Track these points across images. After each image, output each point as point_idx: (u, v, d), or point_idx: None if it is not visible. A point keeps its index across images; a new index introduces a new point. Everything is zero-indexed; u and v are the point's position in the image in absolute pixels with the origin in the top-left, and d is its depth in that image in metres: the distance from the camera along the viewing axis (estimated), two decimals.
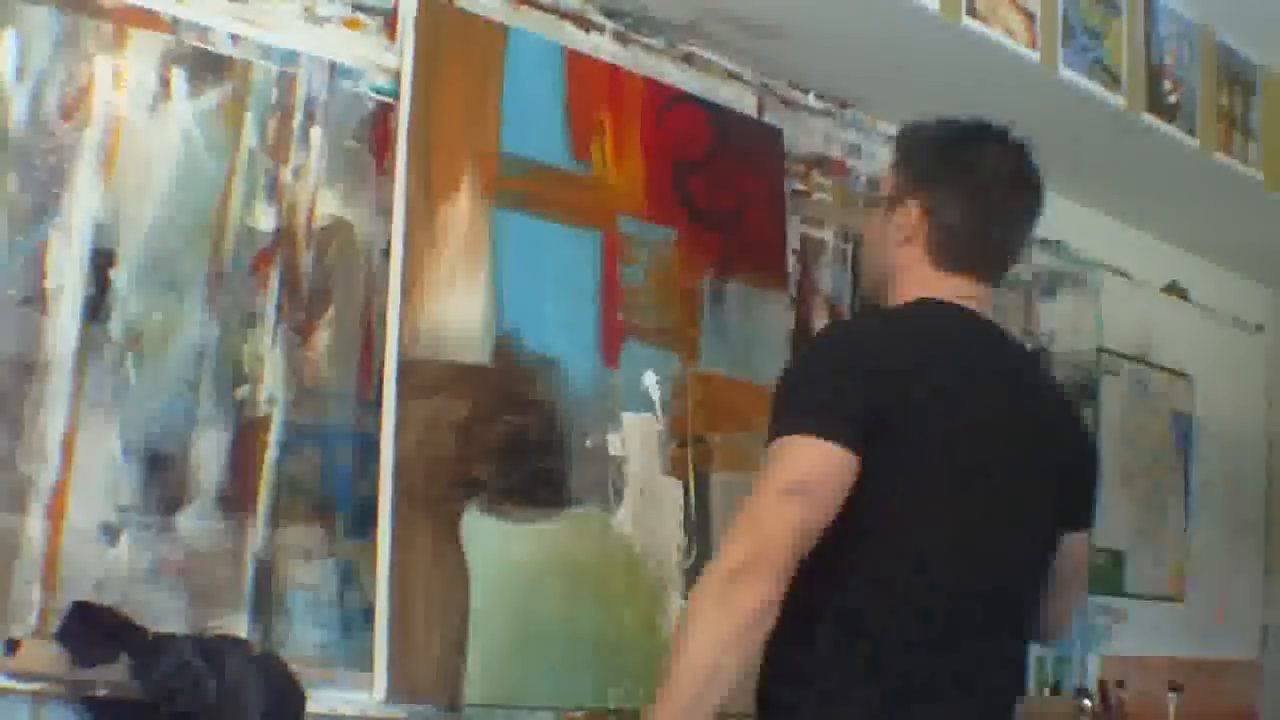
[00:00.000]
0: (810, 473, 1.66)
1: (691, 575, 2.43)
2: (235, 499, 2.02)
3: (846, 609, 1.72)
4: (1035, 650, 3.32)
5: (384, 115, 2.23)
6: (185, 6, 2.03)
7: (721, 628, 1.61)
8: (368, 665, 2.06)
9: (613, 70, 2.53)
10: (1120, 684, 3.43)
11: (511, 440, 2.25)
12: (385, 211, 2.20)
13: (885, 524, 1.71)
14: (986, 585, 1.78)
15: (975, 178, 1.87)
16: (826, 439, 1.66)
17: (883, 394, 1.69)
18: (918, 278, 1.88)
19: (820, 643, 1.72)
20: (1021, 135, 1.92)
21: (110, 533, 1.90)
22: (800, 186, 2.84)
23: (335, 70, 2.18)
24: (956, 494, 1.75)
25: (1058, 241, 3.49)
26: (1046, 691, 3.35)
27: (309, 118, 2.15)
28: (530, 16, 2.44)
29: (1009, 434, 1.80)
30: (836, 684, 1.71)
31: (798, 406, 1.71)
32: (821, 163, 2.89)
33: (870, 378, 1.71)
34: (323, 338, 2.14)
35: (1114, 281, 3.67)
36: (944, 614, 1.73)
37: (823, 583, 1.70)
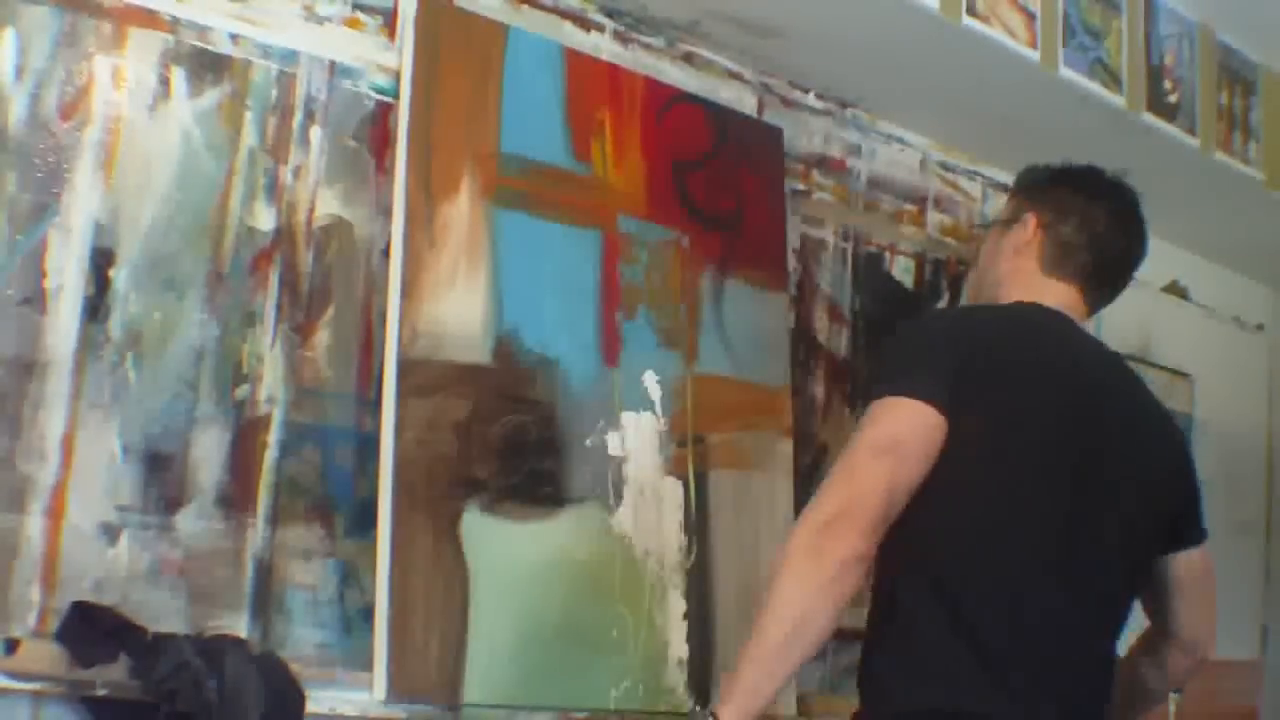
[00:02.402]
0: (901, 430, 1.72)
1: (692, 575, 2.43)
2: (235, 499, 2.02)
3: (928, 575, 1.75)
4: None
5: (384, 115, 2.23)
6: (185, 6, 2.03)
7: (812, 576, 1.64)
8: (368, 665, 2.06)
9: (613, 70, 2.53)
10: None
11: (511, 440, 2.25)
12: (385, 211, 2.20)
13: (967, 491, 1.75)
14: (1068, 569, 1.79)
15: (1092, 202, 2.02)
16: (917, 399, 1.72)
17: (973, 364, 1.76)
18: (1023, 283, 1.98)
19: (904, 609, 1.76)
20: (1128, 184, 2.08)
21: (110, 532, 1.90)
22: (800, 186, 2.84)
23: (335, 70, 2.18)
24: (1038, 471, 1.78)
25: None
26: None
27: (309, 117, 2.15)
28: (530, 16, 2.44)
29: (1095, 426, 1.83)
30: (919, 650, 1.74)
31: (892, 371, 1.80)
32: (821, 163, 2.89)
33: (962, 349, 1.78)
34: (322, 338, 2.14)
35: None
36: (1022, 587, 1.76)
37: (907, 547, 1.74)
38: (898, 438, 1.71)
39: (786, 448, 2.61)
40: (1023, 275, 2.00)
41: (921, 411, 1.72)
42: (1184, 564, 2.01)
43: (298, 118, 2.14)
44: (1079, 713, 1.82)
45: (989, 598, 1.74)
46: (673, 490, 2.45)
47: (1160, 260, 3.80)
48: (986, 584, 1.75)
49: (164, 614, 1.92)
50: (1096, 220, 2.00)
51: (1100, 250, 2.00)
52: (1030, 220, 2.02)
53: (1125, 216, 2.04)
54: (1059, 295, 1.97)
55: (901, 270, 3.02)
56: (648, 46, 2.62)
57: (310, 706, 1.94)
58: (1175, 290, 3.89)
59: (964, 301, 2.18)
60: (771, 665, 1.64)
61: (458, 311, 2.22)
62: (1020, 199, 2.09)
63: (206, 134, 2.05)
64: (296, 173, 2.13)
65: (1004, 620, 1.74)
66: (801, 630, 1.64)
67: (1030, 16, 2.76)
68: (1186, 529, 2.01)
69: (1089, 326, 2.04)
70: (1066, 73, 2.84)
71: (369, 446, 2.13)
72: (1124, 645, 2.05)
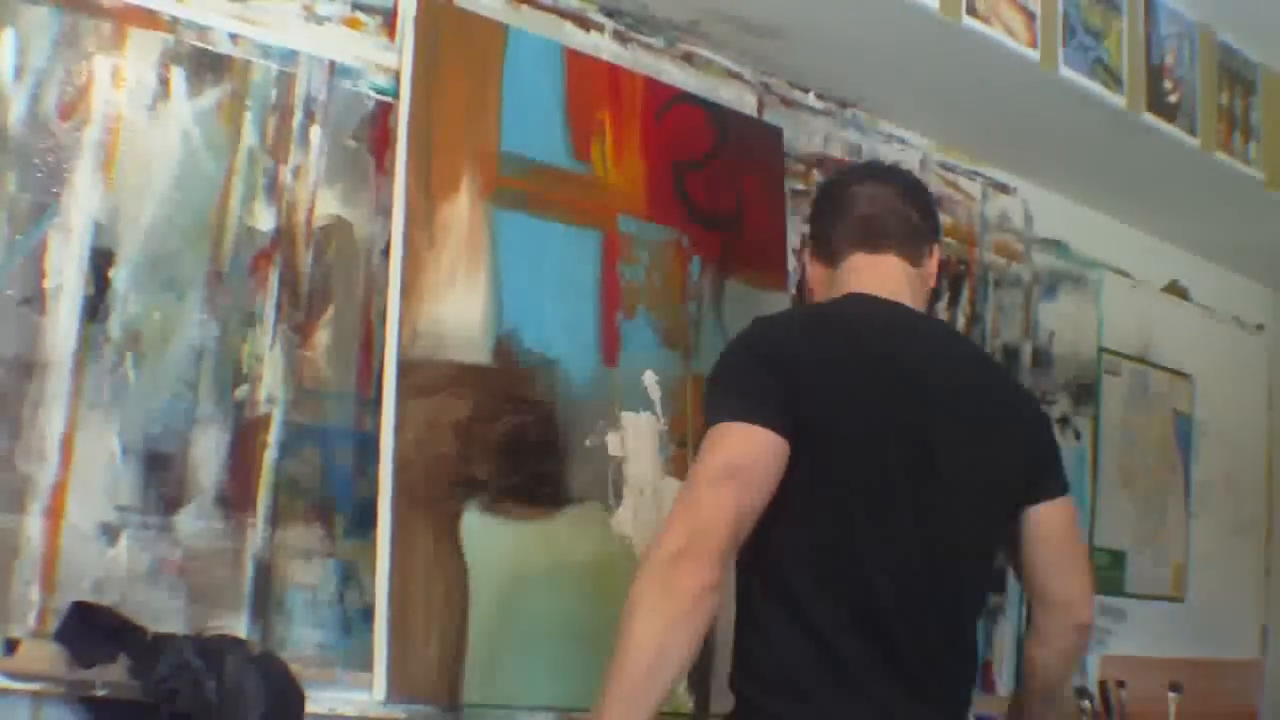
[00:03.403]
0: (740, 455, 1.72)
1: None
2: (235, 499, 2.02)
3: (783, 593, 1.77)
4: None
5: (384, 115, 2.23)
6: (185, 6, 2.03)
7: (665, 611, 1.63)
8: (367, 665, 2.06)
9: (613, 70, 2.53)
10: (1120, 684, 3.43)
11: (511, 440, 2.25)
12: (385, 211, 2.20)
13: (808, 507, 1.77)
14: (914, 568, 1.81)
15: (821, 196, 2.11)
16: (743, 421, 1.74)
17: (801, 380, 1.78)
18: (825, 285, 2.03)
19: (762, 627, 1.79)
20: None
21: (109, 532, 1.90)
22: (800, 186, 2.83)
23: (335, 70, 2.18)
24: (876, 474, 1.80)
25: (1058, 241, 3.49)
26: None
27: (308, 117, 2.15)
28: (530, 16, 2.44)
29: (918, 413, 1.84)
30: (778, 668, 1.76)
31: (724, 396, 1.79)
32: (821, 163, 2.89)
33: (788, 365, 1.79)
34: (322, 338, 2.14)
35: (1114, 281, 3.66)
36: (870, 596, 1.77)
37: (760, 567, 1.79)
38: (737, 463, 1.72)
39: None
40: (820, 282, 2.06)
41: (758, 435, 1.73)
42: (1042, 520, 1.99)
43: (298, 118, 2.14)
44: (936, 697, 1.84)
45: (838, 617, 1.76)
46: (673, 490, 2.44)
47: (1160, 260, 3.83)
48: (832, 603, 1.76)
49: (164, 614, 1.92)
50: (830, 200, 2.06)
51: (846, 211, 2.01)
52: (805, 254, 2.13)
53: (855, 177, 2.09)
54: (859, 275, 1.97)
55: None
56: (648, 46, 2.62)
57: (310, 706, 1.94)
58: (1175, 290, 3.90)
59: None
60: (635, 701, 1.64)
61: (458, 311, 2.22)
62: (806, 236, 2.19)
63: (206, 134, 2.05)
64: (296, 173, 2.13)
65: (855, 639, 1.76)
66: (660, 664, 1.64)
67: (1030, 16, 2.76)
68: (1041, 485, 2.00)
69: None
70: (1066, 73, 2.84)
71: (369, 446, 2.13)
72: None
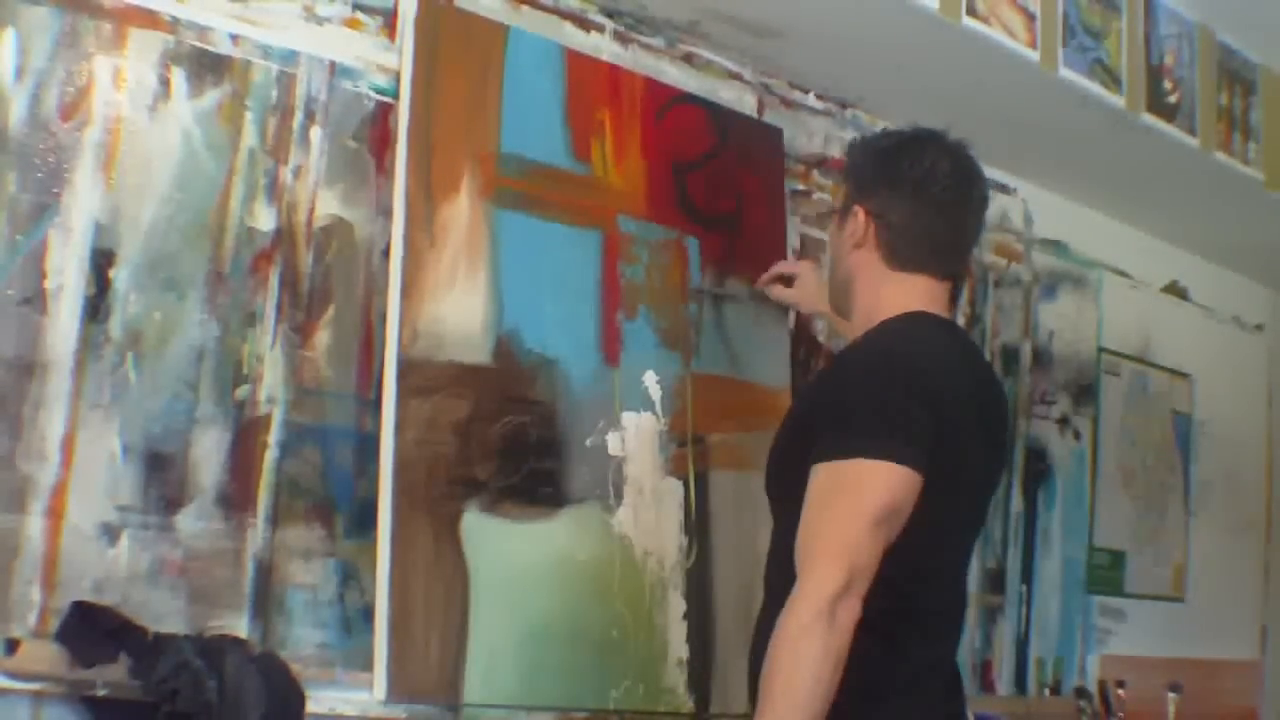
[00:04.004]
0: (896, 498, 1.74)
1: (692, 575, 2.43)
2: (235, 499, 2.02)
3: (887, 628, 1.78)
4: (1035, 650, 3.33)
5: (384, 115, 2.23)
6: (185, 6, 2.03)
7: (835, 645, 1.69)
8: (368, 665, 2.06)
9: (613, 70, 2.53)
10: (1120, 684, 3.43)
11: (511, 440, 2.25)
12: (385, 211, 2.20)
13: (921, 545, 1.80)
14: (960, 585, 1.97)
15: (914, 177, 1.94)
16: (905, 465, 1.74)
17: (936, 416, 1.79)
18: (874, 280, 1.96)
19: (862, 664, 1.77)
20: (960, 137, 1.99)
21: (110, 533, 1.90)
22: (800, 186, 2.84)
23: (335, 70, 2.18)
24: (960, 512, 1.91)
25: (1058, 241, 3.49)
26: (1046, 691, 3.35)
27: (309, 118, 2.15)
28: (530, 16, 2.44)
29: (985, 448, 1.94)
30: (858, 685, 1.75)
31: (873, 427, 1.76)
32: (821, 163, 2.89)
33: (930, 401, 1.79)
34: (323, 338, 2.14)
35: (1114, 281, 3.67)
36: (937, 617, 1.89)
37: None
38: (893, 509, 1.74)
39: None
40: (870, 270, 1.97)
41: (910, 479, 1.75)
42: None
43: (298, 118, 2.14)
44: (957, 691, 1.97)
45: (912, 637, 1.83)
46: (673, 490, 2.45)
47: (1160, 260, 3.83)
48: (911, 623, 1.83)
49: (164, 614, 1.92)
50: (923, 193, 1.93)
51: (934, 226, 1.94)
52: (860, 215, 1.97)
53: (954, 175, 1.95)
54: (917, 290, 1.94)
55: None
56: (648, 47, 2.62)
57: (310, 706, 1.95)
58: (1175, 290, 3.90)
59: (830, 293, 2.14)
60: None
61: (458, 311, 2.22)
62: (850, 185, 2.04)
63: (206, 134, 2.05)
64: (296, 173, 2.13)
65: (922, 656, 1.84)
66: (826, 699, 1.69)
67: (1030, 17, 2.76)
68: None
69: None
70: (1066, 73, 2.84)
71: (369, 446, 2.13)
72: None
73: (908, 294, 1.93)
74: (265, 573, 2.03)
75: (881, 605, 1.75)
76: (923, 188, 1.93)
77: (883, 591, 1.75)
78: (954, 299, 2.02)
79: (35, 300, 1.88)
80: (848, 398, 1.81)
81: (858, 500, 1.73)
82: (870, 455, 1.74)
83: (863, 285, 1.98)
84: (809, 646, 1.68)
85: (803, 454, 1.80)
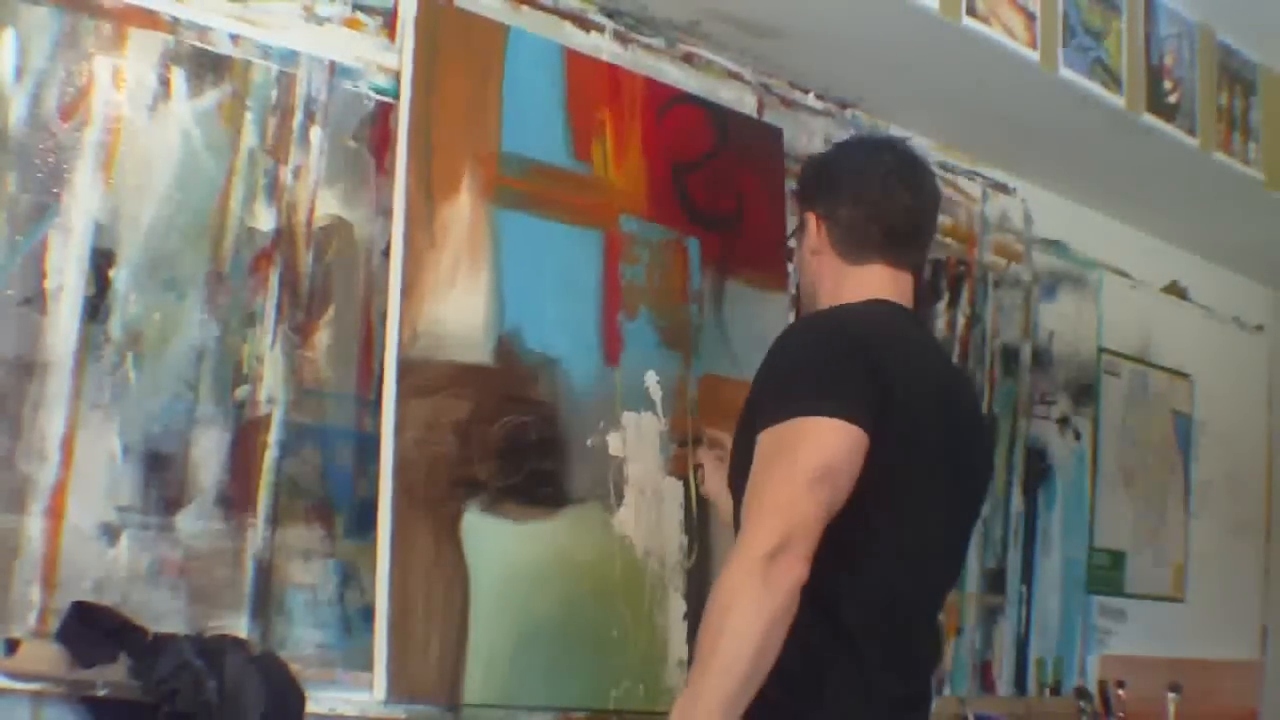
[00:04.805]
0: (835, 455, 1.70)
1: (692, 575, 2.43)
2: (235, 499, 2.02)
3: (815, 593, 1.71)
4: (1035, 650, 3.33)
5: (384, 115, 2.23)
6: (185, 6, 2.03)
7: (767, 607, 1.63)
8: (368, 665, 2.06)
9: (613, 70, 2.53)
10: (1120, 684, 3.43)
11: (512, 440, 2.25)
12: (385, 211, 2.20)
13: (869, 514, 1.75)
14: (932, 577, 1.91)
15: (855, 174, 1.98)
16: (847, 420, 1.71)
17: (879, 382, 1.76)
18: (835, 278, 1.97)
19: (801, 630, 1.72)
20: (904, 137, 2.04)
21: (110, 533, 1.90)
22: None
23: (335, 70, 2.18)
24: (919, 491, 1.83)
25: (1058, 241, 3.49)
26: (1046, 691, 3.35)
27: (309, 118, 2.15)
28: (530, 16, 2.44)
29: (950, 436, 1.88)
30: (804, 668, 1.73)
31: (811, 388, 1.74)
32: None
33: (871, 365, 1.77)
34: (323, 338, 2.14)
35: (1114, 281, 3.67)
36: (895, 602, 1.80)
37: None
38: (831, 464, 1.70)
39: None
40: (831, 270, 1.98)
41: (851, 434, 1.71)
42: None
43: (298, 118, 2.14)
44: (925, 689, 1.92)
45: (876, 623, 1.78)
46: (673, 490, 2.45)
47: (1160, 260, 3.83)
48: (876, 609, 1.78)
49: (164, 614, 1.92)
50: (867, 189, 1.96)
51: (883, 215, 1.95)
52: (811, 222, 2.00)
53: (896, 170, 1.98)
54: (882, 283, 1.94)
55: None
56: (648, 47, 2.62)
57: (310, 706, 1.95)
58: (1175, 290, 3.90)
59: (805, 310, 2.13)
60: (738, 699, 1.63)
61: (458, 311, 2.22)
62: (801, 200, 2.06)
63: (206, 134, 2.05)
64: (296, 173, 2.13)
65: (876, 630, 1.78)
66: (762, 659, 1.64)
67: (1030, 17, 2.76)
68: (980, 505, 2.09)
69: None
70: (1066, 73, 2.84)
71: (369, 446, 2.13)
72: None
73: (866, 284, 1.94)
74: (265, 573, 2.03)
75: (828, 574, 1.70)
76: (864, 182, 1.96)
77: (830, 561, 1.70)
78: (919, 298, 2.02)
79: (35, 300, 1.88)
80: (786, 364, 1.81)
81: (793, 458, 1.70)
82: (806, 413, 1.72)
83: (825, 287, 1.98)
84: (741, 605, 1.63)
85: (752, 439, 1.78)
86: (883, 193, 1.95)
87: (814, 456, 1.69)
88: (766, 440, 1.74)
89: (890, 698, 1.79)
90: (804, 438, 1.71)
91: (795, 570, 1.65)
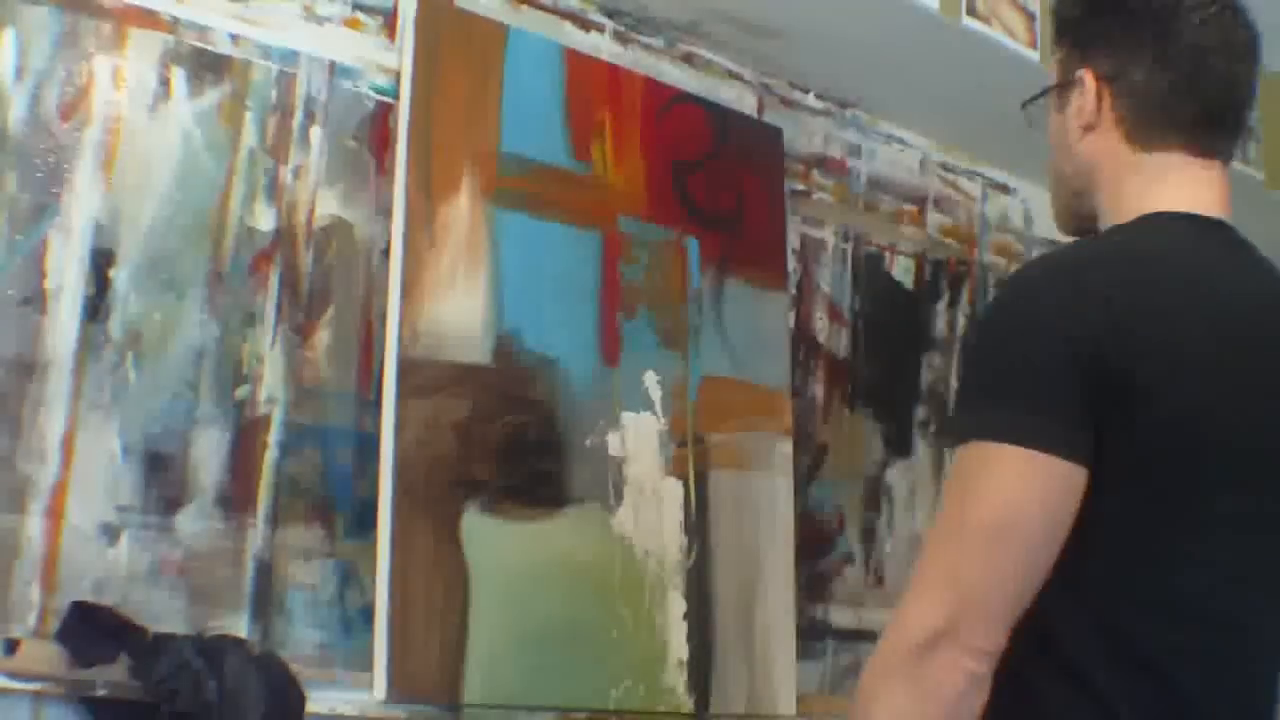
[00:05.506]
0: (1027, 499, 1.22)
1: (692, 575, 2.43)
2: (235, 499, 2.02)
3: (1071, 668, 1.27)
4: None
5: (384, 115, 2.23)
6: (185, 6, 2.03)
7: (917, 710, 1.22)
8: (368, 665, 2.05)
9: (613, 70, 2.53)
10: None
11: (511, 440, 2.25)
12: (385, 211, 2.20)
13: (1117, 555, 1.27)
14: (1255, 640, 1.32)
15: (1158, 9, 1.42)
16: (1037, 449, 1.22)
17: (1104, 367, 1.24)
18: (1118, 169, 1.44)
19: (1037, 706, 1.29)
20: None
21: (110, 533, 1.90)
22: (800, 186, 2.84)
23: (335, 70, 2.18)
24: (1218, 509, 1.28)
25: (1058, 241, 3.48)
26: None
27: (309, 117, 2.15)
28: (530, 16, 2.44)
29: (1267, 400, 1.32)
30: None
31: (997, 395, 1.26)
32: (821, 163, 2.89)
33: (1088, 346, 1.24)
34: (323, 338, 2.14)
35: None
36: (1195, 679, 1.28)
37: (1039, 632, 1.27)
38: (1018, 514, 1.22)
39: (786, 448, 2.61)
40: (1112, 157, 1.44)
41: (1049, 470, 1.21)
42: None
43: (298, 118, 2.14)
44: None
45: (1147, 704, 1.26)
46: (673, 490, 2.45)
47: None
48: (1146, 685, 1.26)
49: (164, 614, 1.92)
50: (1174, 34, 1.41)
51: (1196, 77, 1.40)
52: (1088, 83, 1.44)
53: (1218, 25, 1.42)
54: (1178, 175, 1.41)
55: (901, 270, 3.02)
56: (648, 46, 2.62)
57: (310, 706, 1.94)
58: None
59: (1059, 221, 1.60)
60: None
61: (458, 311, 2.22)
62: (1065, 48, 1.50)
63: (206, 134, 2.05)
64: (296, 173, 2.13)
65: (1149, 701, 1.27)
66: None
67: (1030, 17, 2.76)
68: None
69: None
70: None
71: (369, 446, 2.13)
72: None
73: (1156, 186, 1.41)
74: (265, 573, 2.03)
75: (1085, 650, 1.26)
76: (1173, 23, 1.41)
77: (1080, 632, 1.26)
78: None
79: (35, 300, 1.88)
80: (975, 348, 1.39)
81: (965, 506, 1.25)
82: (985, 435, 1.24)
83: (1107, 183, 1.44)
84: (882, 707, 1.23)
85: None
86: (1197, 44, 1.40)
87: (990, 506, 1.23)
88: (953, 466, 1.30)
89: None
90: (978, 475, 1.25)
91: (963, 663, 1.21)
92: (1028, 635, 1.26)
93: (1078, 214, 1.52)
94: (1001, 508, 1.23)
